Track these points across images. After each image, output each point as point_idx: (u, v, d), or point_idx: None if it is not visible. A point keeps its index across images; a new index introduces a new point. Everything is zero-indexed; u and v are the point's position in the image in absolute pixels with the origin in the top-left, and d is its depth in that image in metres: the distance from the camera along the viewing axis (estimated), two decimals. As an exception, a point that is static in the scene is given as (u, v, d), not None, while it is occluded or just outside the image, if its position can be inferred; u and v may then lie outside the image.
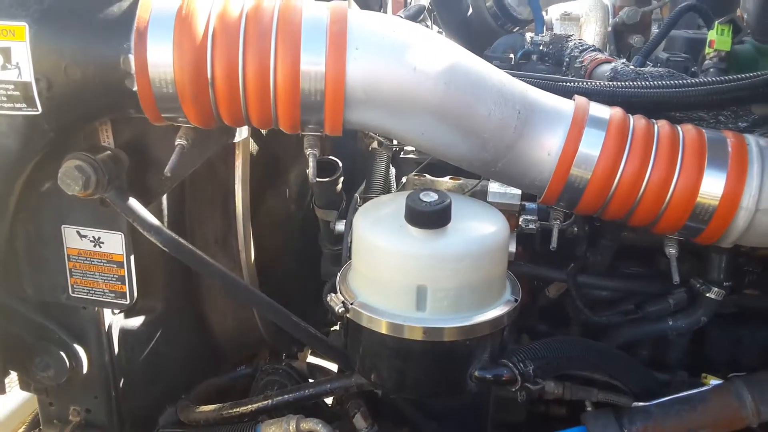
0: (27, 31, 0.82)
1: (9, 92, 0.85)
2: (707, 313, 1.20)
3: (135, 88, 0.82)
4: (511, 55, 1.84)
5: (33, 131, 0.88)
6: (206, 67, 0.81)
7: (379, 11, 1.41)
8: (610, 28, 2.02)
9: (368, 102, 0.87)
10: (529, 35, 1.89)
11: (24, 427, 1.39)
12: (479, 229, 0.90)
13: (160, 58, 0.81)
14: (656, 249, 1.16)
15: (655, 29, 1.96)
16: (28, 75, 0.83)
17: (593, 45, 1.61)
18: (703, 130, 0.99)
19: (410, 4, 2.03)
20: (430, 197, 0.85)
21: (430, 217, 0.84)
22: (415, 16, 1.72)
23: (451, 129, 0.91)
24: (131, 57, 0.80)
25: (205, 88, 0.82)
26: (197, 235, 1.30)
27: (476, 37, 1.91)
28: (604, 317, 1.27)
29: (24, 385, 1.18)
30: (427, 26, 1.92)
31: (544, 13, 2.10)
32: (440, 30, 1.98)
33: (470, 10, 1.84)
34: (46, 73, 0.83)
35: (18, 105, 0.85)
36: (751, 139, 0.98)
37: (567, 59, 1.55)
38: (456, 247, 0.85)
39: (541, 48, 1.82)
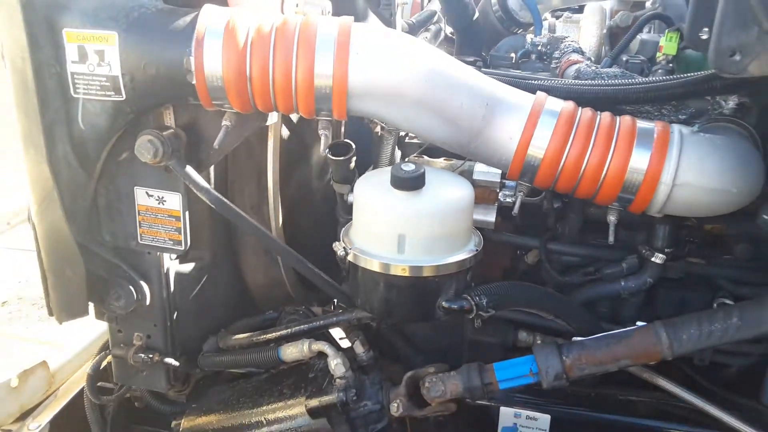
0: (117, 38, 1.11)
1: (102, 83, 1.15)
2: (652, 275, 1.44)
3: (194, 82, 1.11)
4: (513, 55, 2.09)
5: (118, 113, 1.18)
6: (246, 68, 1.10)
7: (390, 17, 1.67)
8: (606, 30, 2.25)
9: (365, 95, 1.14)
10: (529, 37, 2.13)
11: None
12: (447, 193, 1.17)
13: (213, 61, 1.09)
14: (618, 224, 1.38)
15: (646, 31, 2.17)
16: (116, 70, 1.13)
17: (579, 47, 1.84)
18: (637, 120, 1.23)
19: (426, 7, 2.28)
20: (408, 167, 1.12)
21: (408, 182, 1.11)
22: (427, 20, 1.98)
23: (431, 116, 1.18)
24: (192, 59, 1.09)
25: (245, 83, 1.11)
26: (236, 202, 1.58)
27: (483, 38, 2.16)
28: (568, 278, 1.52)
29: (99, 315, 1.50)
30: (441, 28, 2.17)
31: (548, 15, 2.33)
32: (452, 32, 2.23)
33: (476, 15, 2.09)
34: (130, 69, 1.13)
35: (108, 93, 1.15)
36: (676, 128, 1.21)
37: (555, 57, 1.79)
38: (427, 206, 1.13)
39: (539, 48, 2.06)
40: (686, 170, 1.16)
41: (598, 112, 1.25)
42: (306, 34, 1.11)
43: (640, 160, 1.18)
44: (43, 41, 1.14)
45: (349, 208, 1.62)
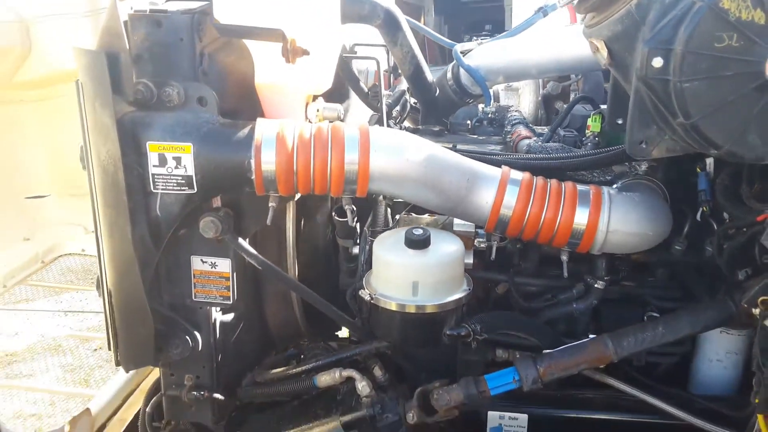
0: (192, 147, 1.46)
1: (178, 181, 1.48)
2: (596, 297, 1.86)
3: (253, 177, 1.47)
4: (468, 122, 2.53)
5: (189, 201, 1.51)
6: (293, 165, 1.46)
7: (377, 105, 2.06)
8: (540, 98, 2.73)
9: (381, 179, 1.52)
10: (481, 106, 2.58)
11: (144, 397, 1.98)
12: (447, 248, 1.56)
13: (268, 161, 1.45)
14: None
15: (572, 95, 2.66)
16: (191, 171, 1.47)
17: (523, 117, 2.30)
18: (577, 185, 1.66)
19: (392, 83, 2.70)
20: (418, 231, 1.51)
21: (418, 243, 1.50)
22: (399, 98, 2.40)
23: (428, 191, 1.57)
24: (252, 161, 1.45)
25: (292, 176, 1.47)
26: (261, 258, 1.93)
27: (443, 108, 2.59)
28: (533, 304, 1.93)
29: (154, 362, 1.79)
30: (407, 100, 2.56)
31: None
32: (415, 102, 2.64)
33: (437, 91, 2.51)
34: (201, 170, 1.47)
35: (183, 188, 1.49)
36: (605, 189, 1.65)
37: (506, 129, 2.22)
38: (433, 260, 1.52)
39: (489, 116, 2.51)
40: (615, 221, 1.60)
41: (549, 180, 1.68)
42: (336, 137, 1.48)
43: (582, 216, 1.60)
44: (128, 150, 1.47)
45: (351, 258, 1.99)
